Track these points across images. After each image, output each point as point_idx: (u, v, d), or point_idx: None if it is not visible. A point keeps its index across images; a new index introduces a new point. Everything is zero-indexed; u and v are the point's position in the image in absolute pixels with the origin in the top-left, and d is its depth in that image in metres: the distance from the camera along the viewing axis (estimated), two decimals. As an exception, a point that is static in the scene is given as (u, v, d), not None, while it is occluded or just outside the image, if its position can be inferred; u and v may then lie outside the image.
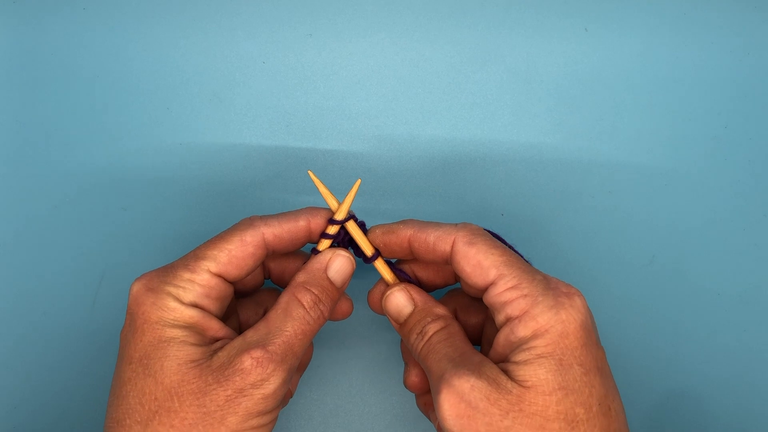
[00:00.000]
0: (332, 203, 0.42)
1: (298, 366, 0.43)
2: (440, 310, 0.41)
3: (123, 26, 0.59)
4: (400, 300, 0.42)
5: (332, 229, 0.42)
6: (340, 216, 0.42)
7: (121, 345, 0.38)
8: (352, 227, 0.42)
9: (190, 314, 0.37)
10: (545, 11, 0.60)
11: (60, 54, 0.59)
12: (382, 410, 0.52)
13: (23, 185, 0.56)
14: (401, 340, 0.45)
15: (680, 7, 0.61)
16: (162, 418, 0.34)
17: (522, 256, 0.37)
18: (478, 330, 0.45)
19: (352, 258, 0.42)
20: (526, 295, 0.35)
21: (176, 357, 0.35)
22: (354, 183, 0.43)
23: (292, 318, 0.38)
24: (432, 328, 0.39)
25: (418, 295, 0.42)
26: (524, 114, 0.59)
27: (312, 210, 0.42)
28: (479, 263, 0.37)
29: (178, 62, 0.59)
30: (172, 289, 0.37)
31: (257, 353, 0.35)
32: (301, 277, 0.40)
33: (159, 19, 0.59)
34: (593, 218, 0.57)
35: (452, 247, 0.38)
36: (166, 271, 0.38)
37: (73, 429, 0.52)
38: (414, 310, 0.41)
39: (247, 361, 0.35)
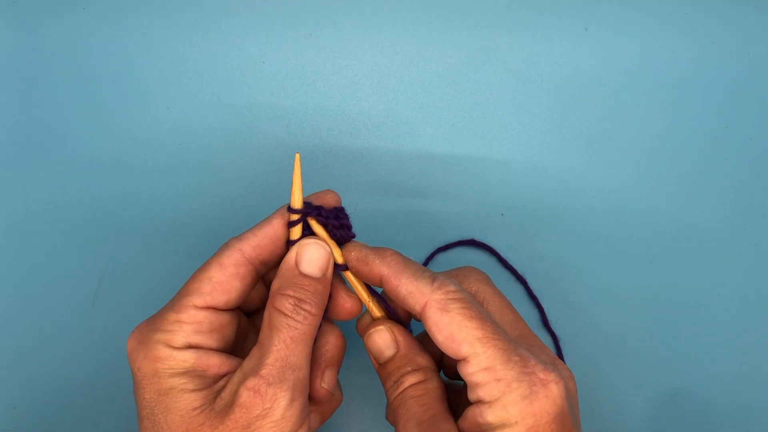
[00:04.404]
0: (296, 193, 0.40)
1: (330, 362, 0.40)
2: (422, 360, 0.38)
3: (123, 26, 0.59)
4: (384, 340, 0.39)
5: (294, 217, 0.39)
6: (294, 202, 0.39)
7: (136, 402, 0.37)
8: (315, 227, 0.39)
9: (184, 358, 0.35)
10: (545, 11, 0.60)
11: (60, 54, 0.59)
12: (381, 410, 0.52)
13: (23, 185, 0.56)
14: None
15: (680, 7, 0.61)
16: None
17: (515, 270, 0.35)
18: None
19: (321, 242, 0.38)
20: (499, 380, 0.33)
21: (178, 408, 0.34)
22: (294, 160, 0.40)
23: (277, 330, 0.35)
24: (409, 380, 0.37)
25: (403, 339, 0.39)
26: (524, 114, 0.59)
27: (283, 208, 0.40)
28: (451, 335, 0.34)
29: (178, 62, 0.59)
30: (161, 336, 0.36)
31: (252, 382, 0.34)
32: (274, 284, 0.38)
33: (159, 20, 0.59)
34: (593, 218, 0.57)
35: (424, 309, 0.35)
36: (155, 319, 0.37)
37: (73, 429, 0.52)
38: (395, 354, 0.39)
39: (244, 395, 0.34)
